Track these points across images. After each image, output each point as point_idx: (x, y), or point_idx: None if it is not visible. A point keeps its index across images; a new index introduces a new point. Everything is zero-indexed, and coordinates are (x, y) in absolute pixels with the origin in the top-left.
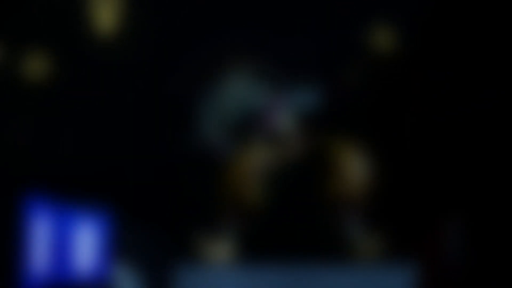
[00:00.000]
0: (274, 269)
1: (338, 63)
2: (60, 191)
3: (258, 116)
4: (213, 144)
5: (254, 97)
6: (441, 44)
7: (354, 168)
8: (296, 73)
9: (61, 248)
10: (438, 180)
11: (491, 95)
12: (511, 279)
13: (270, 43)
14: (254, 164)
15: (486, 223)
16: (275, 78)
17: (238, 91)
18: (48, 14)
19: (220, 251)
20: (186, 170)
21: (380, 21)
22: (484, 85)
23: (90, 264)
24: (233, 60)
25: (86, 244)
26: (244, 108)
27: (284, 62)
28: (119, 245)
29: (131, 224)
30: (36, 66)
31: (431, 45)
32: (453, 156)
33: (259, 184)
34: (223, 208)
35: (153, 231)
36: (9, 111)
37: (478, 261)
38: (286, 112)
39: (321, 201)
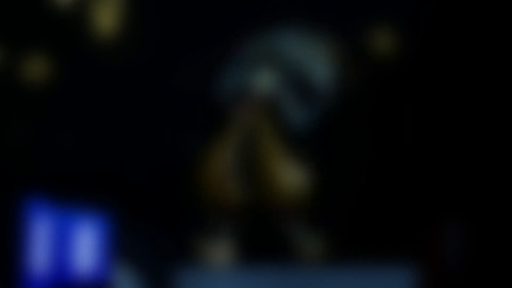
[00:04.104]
0: (276, 271)
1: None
2: (60, 192)
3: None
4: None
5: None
6: (442, 44)
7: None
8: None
9: (61, 249)
10: (438, 180)
11: (491, 95)
12: (511, 279)
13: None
14: (231, 158)
15: (486, 223)
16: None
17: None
18: (47, 14)
19: (221, 253)
20: (186, 172)
21: (380, 21)
22: (484, 85)
23: (90, 266)
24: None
25: (86, 246)
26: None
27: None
28: (119, 247)
29: (132, 226)
30: (36, 67)
31: (432, 45)
32: (453, 156)
33: (240, 179)
34: (218, 209)
35: (153, 232)
36: (9, 111)
37: (478, 263)
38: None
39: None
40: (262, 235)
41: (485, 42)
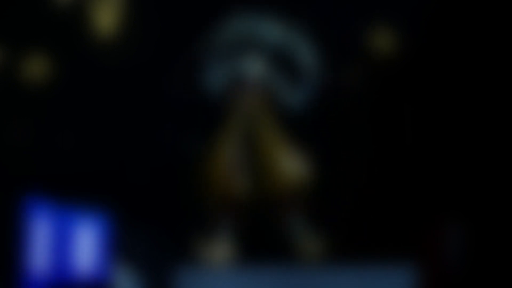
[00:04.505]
0: (276, 270)
1: (335, 63)
2: (60, 192)
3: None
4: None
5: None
6: (442, 44)
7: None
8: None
9: (61, 249)
10: (438, 180)
11: (491, 95)
12: (511, 279)
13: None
14: (231, 155)
15: (486, 223)
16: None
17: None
18: (47, 14)
19: (220, 252)
20: (186, 172)
21: (379, 21)
22: (484, 85)
23: (90, 265)
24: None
25: (86, 245)
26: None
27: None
28: (119, 246)
29: (131, 225)
30: (36, 67)
31: (432, 45)
32: (453, 156)
33: (240, 177)
34: (218, 207)
35: (153, 232)
36: (9, 111)
37: (478, 263)
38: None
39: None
40: (262, 234)
41: (484, 41)
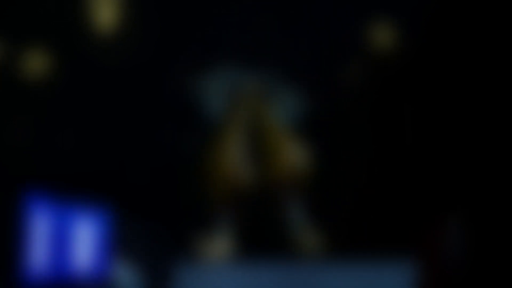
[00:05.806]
0: (275, 266)
1: (335, 62)
2: (60, 189)
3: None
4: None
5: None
6: (441, 43)
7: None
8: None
9: (61, 245)
10: (439, 179)
11: (491, 95)
12: (511, 279)
13: (268, 42)
14: (232, 151)
15: (486, 222)
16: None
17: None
18: (47, 13)
19: (219, 248)
20: (185, 169)
21: (379, 20)
22: (484, 85)
23: (89, 262)
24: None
25: (86, 242)
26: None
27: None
28: (119, 243)
29: (131, 222)
30: (36, 65)
31: (431, 44)
32: (453, 155)
33: (240, 172)
34: (218, 204)
35: (152, 228)
36: (9, 110)
37: (478, 262)
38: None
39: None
40: (263, 229)
41: (484, 40)
